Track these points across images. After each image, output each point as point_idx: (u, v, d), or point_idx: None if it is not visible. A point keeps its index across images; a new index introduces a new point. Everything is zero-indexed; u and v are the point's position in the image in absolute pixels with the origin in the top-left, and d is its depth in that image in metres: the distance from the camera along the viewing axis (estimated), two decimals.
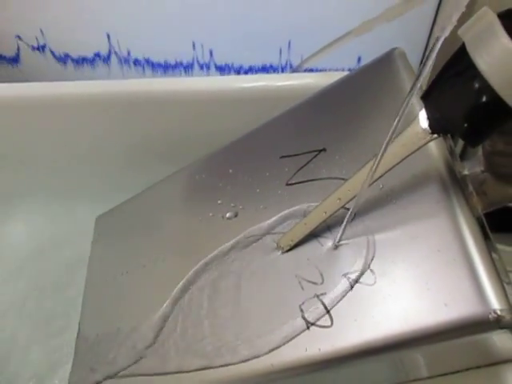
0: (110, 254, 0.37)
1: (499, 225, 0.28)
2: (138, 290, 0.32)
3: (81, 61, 0.46)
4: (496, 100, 0.17)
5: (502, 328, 0.18)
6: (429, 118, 0.20)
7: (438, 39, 0.17)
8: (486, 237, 0.20)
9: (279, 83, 0.37)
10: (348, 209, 0.24)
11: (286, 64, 0.44)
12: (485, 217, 0.23)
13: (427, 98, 0.20)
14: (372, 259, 0.22)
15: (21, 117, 0.39)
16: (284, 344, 0.23)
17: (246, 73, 0.44)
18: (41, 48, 0.45)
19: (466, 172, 0.23)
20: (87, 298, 0.36)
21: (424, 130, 0.20)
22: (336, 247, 0.24)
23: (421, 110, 0.20)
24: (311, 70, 0.43)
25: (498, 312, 0.17)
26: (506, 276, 0.22)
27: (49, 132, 0.40)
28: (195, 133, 0.40)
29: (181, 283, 0.29)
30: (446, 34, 0.17)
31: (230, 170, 0.31)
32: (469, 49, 0.18)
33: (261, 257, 0.27)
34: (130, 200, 0.38)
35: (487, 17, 0.17)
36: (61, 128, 0.40)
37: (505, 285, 0.19)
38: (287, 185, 0.28)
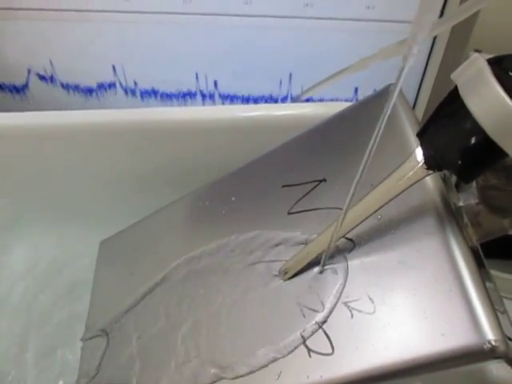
0: (113, 279, 0.38)
1: (496, 251, 0.29)
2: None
3: (87, 91, 0.47)
4: (487, 140, 0.18)
5: (496, 358, 0.18)
6: (424, 155, 0.21)
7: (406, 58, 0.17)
8: (480, 266, 0.21)
9: (279, 112, 0.38)
10: (349, 239, 0.24)
11: (287, 94, 0.45)
12: (481, 244, 0.24)
13: (422, 136, 0.21)
14: (371, 288, 0.23)
15: (31, 144, 0.40)
16: (285, 371, 0.23)
17: (246, 102, 0.46)
18: (49, 78, 0.47)
19: (461, 203, 0.24)
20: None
21: (420, 165, 0.21)
22: (336, 276, 0.25)
23: (417, 146, 0.21)
24: (309, 100, 0.44)
25: (493, 342, 0.18)
26: (501, 305, 0.22)
27: (60, 159, 0.41)
28: (197, 160, 0.40)
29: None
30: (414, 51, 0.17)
31: (233, 198, 0.32)
32: (461, 92, 0.19)
33: (260, 283, 0.27)
34: (133, 225, 0.39)
35: (478, 63, 0.18)
36: (71, 155, 0.40)
37: (499, 314, 0.19)
38: (289, 214, 0.28)
